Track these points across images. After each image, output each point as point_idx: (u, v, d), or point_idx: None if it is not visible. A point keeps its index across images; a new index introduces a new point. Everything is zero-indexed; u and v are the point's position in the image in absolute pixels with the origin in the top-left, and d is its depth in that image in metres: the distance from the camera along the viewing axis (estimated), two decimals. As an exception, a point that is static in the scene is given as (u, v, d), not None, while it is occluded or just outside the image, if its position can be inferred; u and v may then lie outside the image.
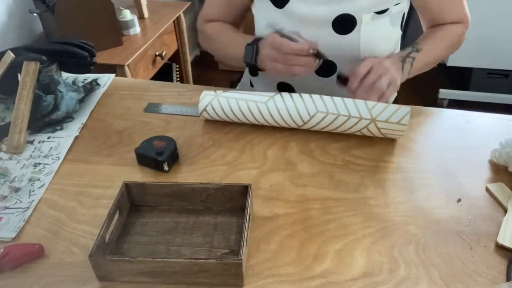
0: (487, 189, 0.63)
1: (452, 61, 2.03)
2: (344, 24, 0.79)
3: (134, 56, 1.56)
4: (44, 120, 0.74)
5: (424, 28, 0.88)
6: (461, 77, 2.18)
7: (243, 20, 0.92)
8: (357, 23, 0.78)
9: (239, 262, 0.49)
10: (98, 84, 0.85)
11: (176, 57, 2.03)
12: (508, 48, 1.95)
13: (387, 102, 0.70)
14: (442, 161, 0.69)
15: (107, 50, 1.59)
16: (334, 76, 0.83)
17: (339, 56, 0.82)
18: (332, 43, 0.80)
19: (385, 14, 0.78)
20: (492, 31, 1.90)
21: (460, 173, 0.66)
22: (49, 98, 0.74)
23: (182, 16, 1.96)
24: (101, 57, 1.55)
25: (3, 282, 0.52)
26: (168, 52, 1.82)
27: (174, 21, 1.90)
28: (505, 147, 0.64)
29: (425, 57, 0.79)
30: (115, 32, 1.60)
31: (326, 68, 0.83)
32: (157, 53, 1.74)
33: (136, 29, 1.73)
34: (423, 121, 0.78)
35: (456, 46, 0.86)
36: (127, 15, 1.68)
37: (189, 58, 2.13)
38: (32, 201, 0.62)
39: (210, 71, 2.62)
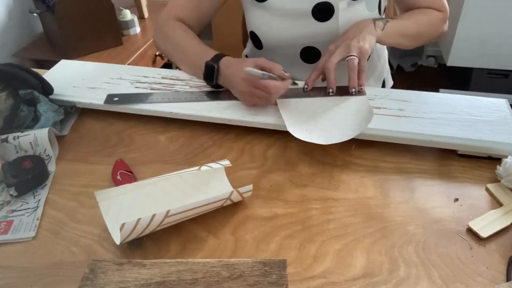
0: (487, 189, 0.63)
1: (452, 61, 2.04)
2: (323, 12, 0.82)
3: (134, 56, 1.56)
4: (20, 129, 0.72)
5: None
6: (461, 77, 2.18)
7: (209, 20, 0.92)
8: (334, 10, 0.82)
9: (282, 261, 0.40)
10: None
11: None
12: (508, 48, 1.94)
13: (363, 70, 0.73)
14: (442, 161, 0.69)
15: (107, 50, 1.59)
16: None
17: (321, 43, 0.87)
18: (313, 31, 0.84)
19: (360, 0, 0.82)
20: (492, 31, 1.90)
21: (460, 173, 0.66)
22: (27, 110, 0.73)
23: (182, 16, 1.96)
24: (101, 57, 1.55)
25: (3, 282, 0.52)
26: (168, 52, 1.82)
27: (174, 21, 1.90)
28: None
29: (399, 24, 0.81)
30: (115, 32, 1.60)
31: (310, 54, 0.89)
32: (157, 53, 1.74)
33: (136, 29, 1.73)
34: (423, 121, 0.78)
35: (435, 26, 0.86)
36: (127, 15, 1.68)
37: (189, 58, 2.13)
38: (39, 200, 0.63)
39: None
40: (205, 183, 0.62)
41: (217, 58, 0.77)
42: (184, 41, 0.84)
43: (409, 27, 0.83)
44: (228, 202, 0.60)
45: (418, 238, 0.56)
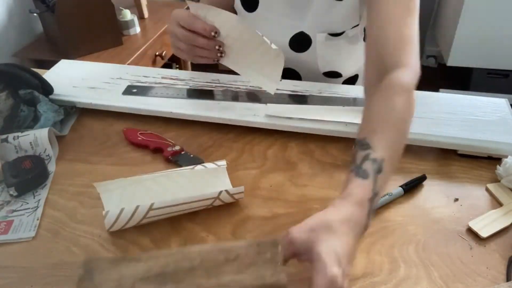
0: (487, 189, 0.63)
1: (452, 61, 2.04)
2: (300, 42, 0.80)
3: (134, 56, 1.56)
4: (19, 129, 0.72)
5: (365, 66, 0.66)
6: (461, 77, 2.19)
7: None
8: (312, 42, 0.79)
9: (273, 241, 0.41)
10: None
11: (176, 57, 2.03)
12: (508, 48, 1.95)
13: None
14: (442, 161, 0.69)
15: (107, 50, 1.59)
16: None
17: (300, 68, 0.85)
18: (290, 59, 0.82)
19: (341, 36, 0.78)
20: (492, 31, 1.90)
21: (460, 173, 0.66)
22: (27, 110, 0.73)
23: (182, 16, 1.96)
24: (101, 57, 1.55)
25: (3, 281, 0.52)
26: (168, 52, 1.82)
27: (174, 21, 1.90)
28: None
29: (387, 173, 0.50)
30: (115, 32, 1.60)
31: (292, 77, 0.86)
32: (157, 53, 1.74)
33: (136, 29, 1.73)
34: (423, 121, 0.78)
35: (410, 112, 0.56)
36: (127, 15, 1.68)
37: (189, 58, 2.12)
38: (39, 200, 0.63)
39: (210, 71, 2.62)
40: (205, 181, 0.62)
41: None
42: None
43: (397, 155, 0.54)
44: (219, 203, 0.59)
45: (418, 238, 0.56)
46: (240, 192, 0.60)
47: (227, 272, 0.41)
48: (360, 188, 0.48)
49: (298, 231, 0.44)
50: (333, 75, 0.85)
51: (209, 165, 0.63)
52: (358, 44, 0.82)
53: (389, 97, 0.56)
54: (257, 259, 0.42)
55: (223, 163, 0.63)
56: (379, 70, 0.60)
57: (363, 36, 0.82)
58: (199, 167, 0.63)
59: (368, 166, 0.49)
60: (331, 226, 0.44)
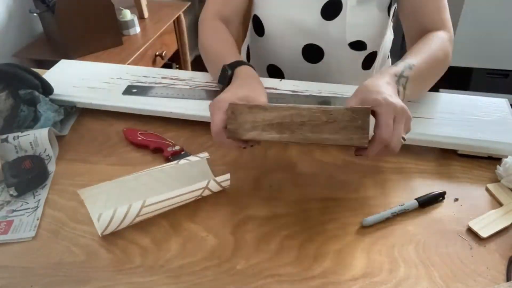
0: (487, 189, 0.63)
1: (452, 61, 2.03)
2: (331, 9, 0.81)
3: (134, 56, 1.56)
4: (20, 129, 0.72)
5: (406, 36, 0.81)
6: (461, 77, 2.18)
7: (245, 7, 0.87)
8: (342, 8, 0.80)
9: (366, 109, 0.51)
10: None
11: (176, 57, 2.04)
12: (508, 48, 1.95)
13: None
14: (442, 161, 0.69)
15: (107, 50, 1.59)
16: (322, 62, 0.88)
17: (325, 41, 0.85)
18: (318, 29, 0.83)
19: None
20: (492, 31, 1.90)
21: (460, 173, 0.66)
22: (27, 110, 0.73)
23: (182, 16, 1.96)
24: (101, 57, 1.55)
25: (3, 281, 0.52)
26: (168, 52, 1.82)
27: (174, 21, 1.90)
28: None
29: (417, 76, 0.64)
30: (115, 32, 1.60)
31: (314, 53, 0.87)
32: (157, 53, 1.74)
33: (136, 29, 1.73)
34: (423, 121, 0.78)
35: (447, 58, 0.73)
36: (127, 15, 1.68)
37: (189, 58, 2.13)
38: (39, 200, 0.63)
39: (210, 71, 2.61)
40: (187, 175, 0.63)
41: (236, 64, 0.69)
42: (215, 43, 0.79)
43: (428, 78, 0.70)
44: (208, 192, 0.61)
45: (418, 238, 0.56)
46: (226, 180, 0.61)
47: (326, 131, 0.53)
48: (390, 68, 0.63)
49: (352, 101, 0.57)
50: (358, 46, 0.85)
51: (193, 158, 0.65)
52: (384, 12, 0.83)
53: (427, 41, 0.71)
54: (349, 124, 0.52)
55: (205, 155, 0.65)
56: (422, 35, 0.74)
57: (388, 4, 0.83)
58: (183, 161, 0.64)
59: (400, 62, 0.65)
60: (377, 84, 0.57)
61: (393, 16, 0.89)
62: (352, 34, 0.84)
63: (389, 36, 0.94)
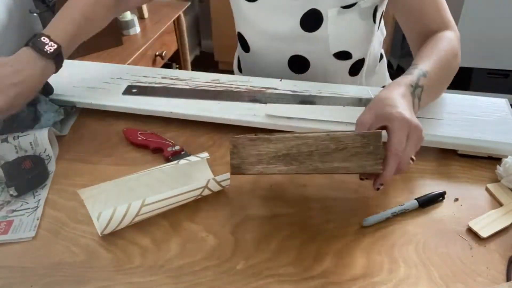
0: (487, 189, 0.63)
1: (452, 61, 2.04)
2: (311, 21, 0.80)
3: (134, 56, 1.56)
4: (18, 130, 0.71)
5: (408, 38, 0.80)
6: (461, 77, 2.18)
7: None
8: (323, 19, 0.79)
9: (377, 133, 0.49)
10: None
11: (176, 57, 2.04)
12: (508, 48, 1.95)
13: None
14: (442, 161, 0.69)
15: (107, 50, 1.59)
16: (309, 72, 0.87)
17: (309, 53, 0.85)
18: (301, 40, 0.82)
19: (353, 8, 0.78)
20: (492, 31, 1.90)
21: (460, 173, 0.66)
22: (27, 110, 0.72)
23: (182, 16, 1.96)
24: (101, 57, 1.55)
25: (2, 281, 0.52)
26: (168, 52, 1.82)
27: (174, 21, 1.90)
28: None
29: (432, 84, 0.64)
30: (115, 32, 1.60)
31: (300, 64, 0.86)
32: (157, 53, 1.74)
33: (136, 29, 1.73)
34: (423, 121, 0.78)
35: (457, 60, 0.72)
36: (127, 15, 1.68)
37: (189, 58, 2.13)
38: (39, 200, 0.63)
39: (210, 71, 2.63)
40: (187, 175, 0.63)
41: (32, 40, 0.69)
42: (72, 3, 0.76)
43: (440, 85, 0.71)
44: (208, 192, 0.61)
45: (418, 238, 0.56)
46: (226, 179, 0.61)
47: (336, 159, 0.51)
48: (405, 78, 0.61)
49: (366, 115, 0.55)
50: (343, 56, 0.85)
51: (193, 158, 0.65)
52: (368, 20, 0.82)
53: (435, 42, 0.69)
54: (361, 150, 0.50)
55: (205, 155, 0.65)
56: (426, 37, 0.73)
57: (372, 13, 0.82)
58: (183, 161, 0.64)
59: (413, 69, 0.63)
60: (392, 98, 0.56)
61: (380, 19, 0.87)
62: (336, 45, 0.83)
63: (379, 37, 0.92)
